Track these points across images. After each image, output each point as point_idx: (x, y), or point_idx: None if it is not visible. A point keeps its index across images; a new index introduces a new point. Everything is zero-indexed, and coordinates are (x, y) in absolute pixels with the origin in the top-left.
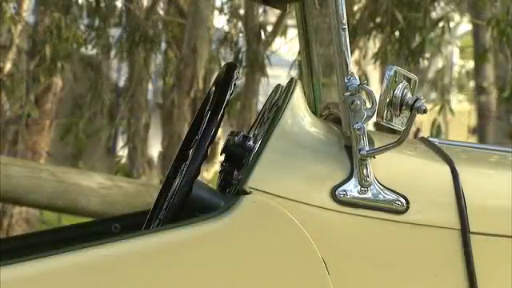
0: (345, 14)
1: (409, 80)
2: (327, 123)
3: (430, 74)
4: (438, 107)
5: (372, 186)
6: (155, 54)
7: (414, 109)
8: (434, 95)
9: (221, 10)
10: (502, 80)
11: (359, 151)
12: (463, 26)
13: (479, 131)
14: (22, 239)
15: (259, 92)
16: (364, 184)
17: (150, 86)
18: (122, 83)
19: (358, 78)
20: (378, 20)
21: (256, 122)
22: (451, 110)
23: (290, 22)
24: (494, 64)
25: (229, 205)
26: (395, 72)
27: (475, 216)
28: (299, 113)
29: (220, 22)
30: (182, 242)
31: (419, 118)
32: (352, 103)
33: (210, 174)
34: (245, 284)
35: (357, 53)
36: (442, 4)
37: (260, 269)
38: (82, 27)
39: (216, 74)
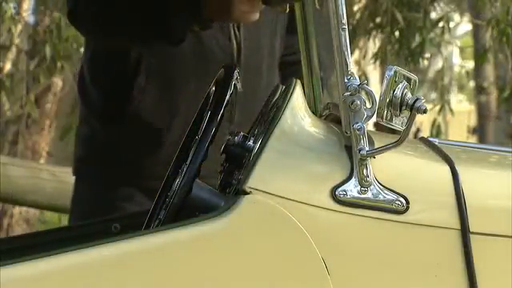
0: (345, 14)
1: (409, 80)
2: (327, 123)
3: (430, 74)
4: (437, 107)
5: (372, 186)
6: None
7: (414, 109)
8: (434, 95)
9: None
10: (502, 80)
11: (359, 151)
12: (463, 25)
13: (479, 131)
14: (21, 239)
15: None
16: (364, 184)
17: None
18: None
19: (357, 77)
20: (378, 20)
21: (256, 122)
22: (451, 110)
23: None
24: (493, 64)
25: (229, 205)
26: (395, 72)
27: (475, 216)
28: (299, 113)
29: None
30: (181, 242)
31: (419, 117)
32: (352, 103)
33: None
34: (245, 284)
35: (357, 53)
36: (442, 4)
37: (260, 269)
38: None
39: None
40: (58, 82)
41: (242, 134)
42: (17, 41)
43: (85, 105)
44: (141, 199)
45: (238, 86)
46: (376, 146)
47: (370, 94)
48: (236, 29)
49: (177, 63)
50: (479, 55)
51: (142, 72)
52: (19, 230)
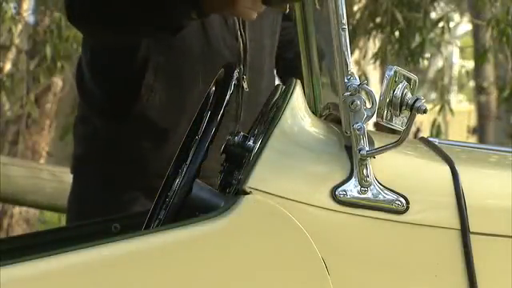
0: (345, 14)
1: (409, 80)
2: (327, 123)
3: (430, 74)
4: (437, 107)
5: (372, 186)
6: None
7: (414, 109)
8: (434, 95)
9: None
10: (502, 80)
11: (359, 151)
12: (463, 25)
13: (479, 131)
14: (21, 239)
15: None
16: (364, 184)
17: None
18: None
19: (358, 77)
20: (378, 20)
21: (256, 122)
22: (451, 110)
23: None
24: (493, 64)
25: (229, 205)
26: (395, 72)
27: (475, 216)
28: (299, 113)
29: None
30: (181, 242)
31: (419, 117)
32: (352, 103)
33: None
34: (245, 284)
35: (357, 53)
36: (442, 4)
37: (260, 269)
38: None
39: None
40: (58, 81)
41: (241, 133)
42: (17, 41)
43: (85, 102)
44: (145, 198)
45: (245, 85)
46: (376, 146)
47: (370, 94)
48: (242, 29)
49: (185, 62)
50: (479, 55)
51: (150, 70)
52: (19, 230)
